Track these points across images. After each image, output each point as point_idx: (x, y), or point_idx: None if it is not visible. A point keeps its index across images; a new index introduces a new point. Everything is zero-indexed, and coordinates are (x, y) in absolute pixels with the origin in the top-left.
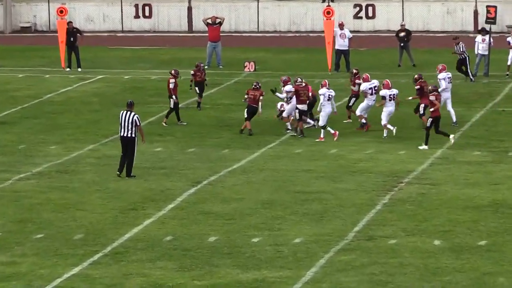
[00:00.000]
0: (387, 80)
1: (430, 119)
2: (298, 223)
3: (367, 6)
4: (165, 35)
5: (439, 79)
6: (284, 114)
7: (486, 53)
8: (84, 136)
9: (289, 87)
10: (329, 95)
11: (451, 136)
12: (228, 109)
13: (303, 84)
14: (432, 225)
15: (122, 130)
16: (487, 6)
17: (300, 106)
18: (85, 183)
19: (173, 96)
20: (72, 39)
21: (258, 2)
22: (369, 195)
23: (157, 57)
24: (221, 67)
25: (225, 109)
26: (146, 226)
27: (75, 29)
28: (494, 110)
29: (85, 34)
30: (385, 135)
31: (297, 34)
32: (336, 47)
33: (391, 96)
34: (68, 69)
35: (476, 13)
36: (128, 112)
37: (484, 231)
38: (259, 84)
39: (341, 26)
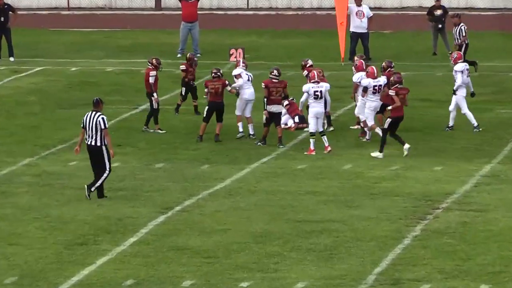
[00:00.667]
0: (373, 67)
1: (389, 120)
2: (301, 262)
3: None
4: (125, 14)
5: (455, 71)
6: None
7: None
8: (19, 146)
9: (238, 70)
10: (315, 92)
11: (406, 146)
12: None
13: (278, 79)
14: (478, 264)
15: (87, 136)
16: None
17: (270, 107)
18: (19, 208)
19: (154, 94)
20: (2, 19)
21: None
22: (395, 225)
23: (115, 42)
24: (198, 55)
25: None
26: (99, 266)
27: (6, 6)
28: None
29: (19, 12)
30: (367, 137)
31: (299, 12)
32: (352, 29)
33: (376, 87)
34: None
35: None
36: (93, 113)
37: None
38: (221, 71)
39: (358, 1)
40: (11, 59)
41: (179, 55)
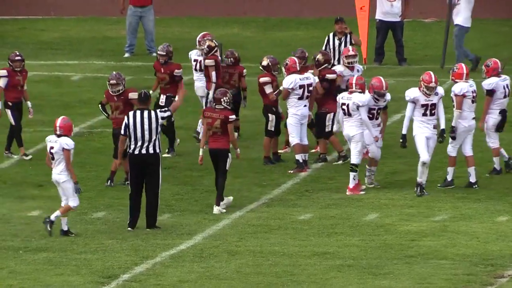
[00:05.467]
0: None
1: None
2: None
3: None
4: None
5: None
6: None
7: None
8: None
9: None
10: (342, 105)
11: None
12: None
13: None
14: None
15: (134, 143)
16: None
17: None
18: None
19: (9, 103)
20: None
21: None
22: None
23: (34, 36)
24: (155, 54)
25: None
26: None
27: None
28: None
29: None
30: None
31: None
32: (378, 16)
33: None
34: None
35: None
36: (144, 112)
37: None
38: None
39: None
40: None
41: (127, 55)
